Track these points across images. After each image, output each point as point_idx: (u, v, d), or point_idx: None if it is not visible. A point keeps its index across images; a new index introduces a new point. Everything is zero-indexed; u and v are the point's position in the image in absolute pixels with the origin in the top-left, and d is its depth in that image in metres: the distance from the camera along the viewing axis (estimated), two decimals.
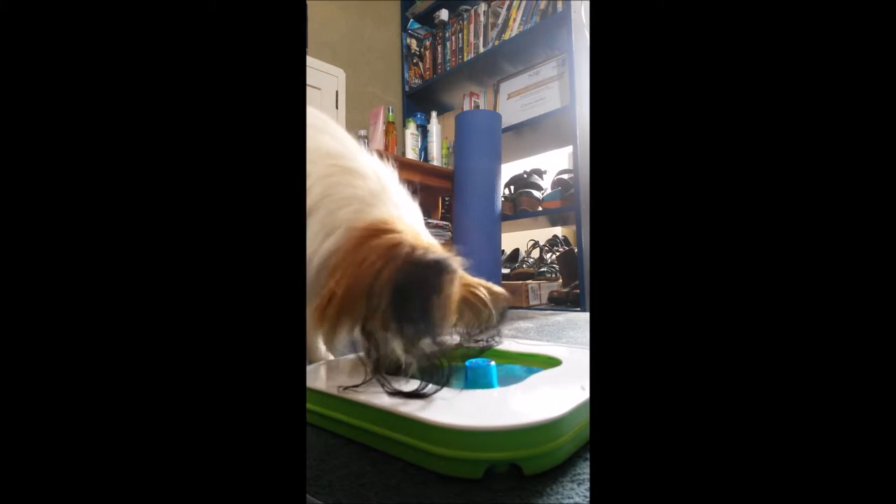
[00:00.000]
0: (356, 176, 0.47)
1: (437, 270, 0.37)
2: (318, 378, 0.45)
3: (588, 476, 0.30)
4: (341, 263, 0.40)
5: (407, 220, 0.46)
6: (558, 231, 2.40)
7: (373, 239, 0.40)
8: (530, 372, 0.48)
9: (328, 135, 0.51)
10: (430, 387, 0.36)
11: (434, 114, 2.00)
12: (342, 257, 0.41)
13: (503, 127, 1.71)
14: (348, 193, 0.45)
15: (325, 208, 0.44)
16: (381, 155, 0.53)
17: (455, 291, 0.40)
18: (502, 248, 1.92)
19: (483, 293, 0.47)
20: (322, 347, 0.66)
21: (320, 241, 0.42)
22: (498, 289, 0.49)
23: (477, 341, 0.50)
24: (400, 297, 0.36)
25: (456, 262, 0.39)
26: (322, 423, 0.41)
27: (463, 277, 0.47)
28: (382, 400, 0.36)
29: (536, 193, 1.88)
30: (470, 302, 0.48)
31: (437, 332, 0.38)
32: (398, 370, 0.45)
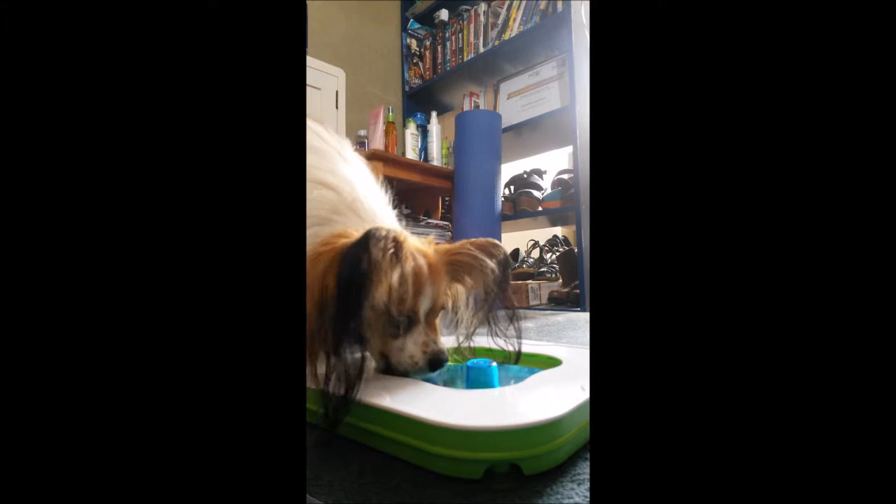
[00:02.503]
0: (324, 190, 0.46)
1: (364, 244, 0.35)
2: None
3: (588, 476, 0.30)
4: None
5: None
6: (558, 231, 2.40)
7: (322, 256, 0.39)
8: (530, 372, 0.48)
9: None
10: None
11: (434, 114, 2.00)
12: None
13: (503, 127, 1.71)
14: (312, 215, 0.44)
15: None
16: (373, 155, 0.52)
17: (390, 256, 0.37)
18: None
19: (471, 250, 0.46)
20: None
21: None
22: (485, 239, 0.47)
23: (497, 319, 0.47)
24: (342, 289, 0.34)
25: (393, 231, 0.38)
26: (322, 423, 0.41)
27: (440, 247, 0.46)
28: (383, 400, 0.36)
29: (536, 193, 1.88)
30: (462, 264, 0.46)
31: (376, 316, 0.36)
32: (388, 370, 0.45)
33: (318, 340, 0.36)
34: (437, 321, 0.49)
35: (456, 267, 0.47)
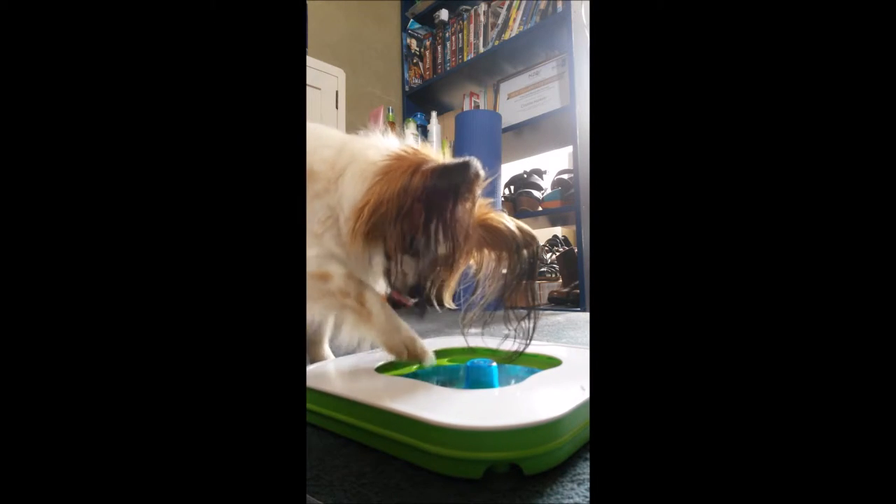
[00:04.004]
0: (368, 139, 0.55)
1: (465, 168, 0.42)
2: (319, 378, 0.45)
3: (588, 476, 0.30)
4: (374, 185, 0.47)
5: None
6: (558, 231, 2.40)
7: (401, 160, 0.46)
8: (530, 372, 0.48)
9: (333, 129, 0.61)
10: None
11: (434, 114, 2.00)
12: (375, 181, 0.47)
13: (503, 127, 1.71)
14: (372, 143, 0.53)
15: (358, 159, 0.51)
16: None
17: (478, 196, 0.46)
18: None
19: (510, 223, 0.50)
20: (325, 348, 0.67)
21: (361, 185, 0.49)
22: (527, 228, 0.52)
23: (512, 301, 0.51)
24: (432, 193, 0.42)
25: (481, 169, 0.44)
26: (322, 423, 0.41)
27: (485, 205, 0.51)
28: (382, 400, 0.36)
29: (536, 193, 1.88)
30: (493, 227, 0.50)
31: (458, 238, 0.44)
32: (414, 291, 0.50)
33: (381, 217, 0.45)
34: (453, 281, 0.54)
35: (491, 232, 0.51)
